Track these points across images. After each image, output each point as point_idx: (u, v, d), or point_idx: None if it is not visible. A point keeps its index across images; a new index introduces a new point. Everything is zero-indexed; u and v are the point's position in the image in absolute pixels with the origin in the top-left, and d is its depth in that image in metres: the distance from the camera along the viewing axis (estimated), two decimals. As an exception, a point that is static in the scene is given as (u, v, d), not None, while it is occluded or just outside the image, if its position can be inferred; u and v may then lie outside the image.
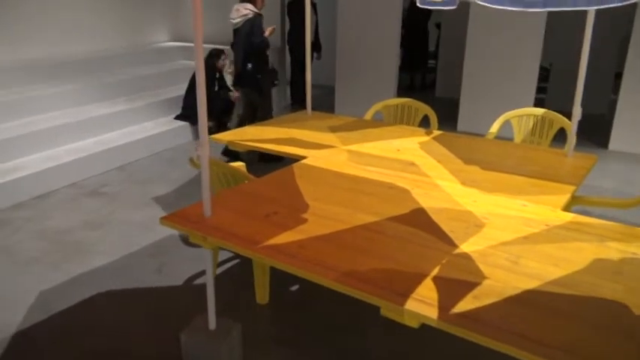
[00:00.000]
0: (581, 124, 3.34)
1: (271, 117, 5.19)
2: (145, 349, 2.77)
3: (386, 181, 2.89)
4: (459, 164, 3.20)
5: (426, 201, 2.62)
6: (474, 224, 2.37)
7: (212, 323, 2.54)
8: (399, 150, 3.45)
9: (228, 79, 6.34)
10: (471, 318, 1.69)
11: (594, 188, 3.60)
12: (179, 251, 3.73)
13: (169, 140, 6.08)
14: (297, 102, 7.63)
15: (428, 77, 9.52)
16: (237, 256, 3.56)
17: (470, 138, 3.90)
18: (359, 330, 2.89)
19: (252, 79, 5.31)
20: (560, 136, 3.85)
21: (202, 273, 3.41)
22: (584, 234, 2.29)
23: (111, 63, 7.02)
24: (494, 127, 4.01)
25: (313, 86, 4.44)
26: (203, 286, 2.63)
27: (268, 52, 5.50)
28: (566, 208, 2.66)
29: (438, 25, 9.11)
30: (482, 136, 4.08)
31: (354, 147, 3.49)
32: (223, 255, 3.54)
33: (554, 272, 1.97)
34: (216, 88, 6.16)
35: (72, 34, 6.83)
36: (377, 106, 4.56)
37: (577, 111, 3.29)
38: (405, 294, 1.82)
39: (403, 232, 2.31)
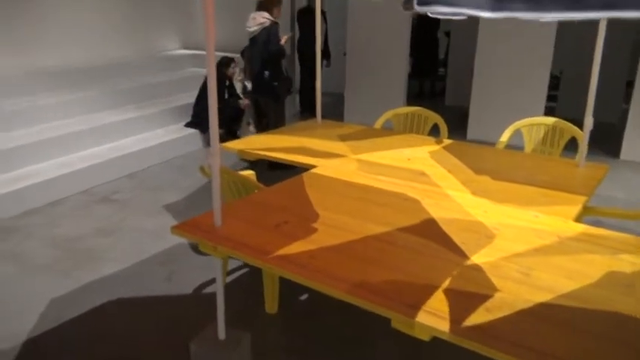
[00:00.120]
0: (592, 133, 3.32)
1: (284, 124, 5.23)
2: (155, 357, 2.78)
3: (396, 191, 2.88)
4: (470, 174, 3.19)
5: (436, 211, 2.61)
6: (485, 235, 2.36)
7: (222, 333, 2.55)
8: (409, 159, 3.44)
9: (238, 87, 6.37)
10: (483, 331, 1.68)
11: (605, 198, 3.58)
12: (189, 259, 3.74)
13: (180, 147, 6.11)
14: (307, 109, 7.65)
15: (437, 85, 9.52)
16: (246, 264, 3.56)
17: (480, 147, 3.89)
18: (369, 341, 2.88)
19: (268, 86, 5.39)
20: (571, 145, 3.83)
21: (211, 281, 3.42)
22: (597, 246, 2.27)
23: (123, 70, 7.08)
24: (505, 137, 4.00)
25: (322, 94, 4.46)
26: (212, 295, 2.63)
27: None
28: (578, 218, 2.64)
29: (448, 34, 9.11)
30: (492, 144, 4.06)
31: (364, 156, 3.49)
32: (233, 263, 3.55)
33: (566, 285, 1.95)
34: (226, 96, 6.19)
35: (85, 43, 6.89)
36: (387, 115, 4.56)
37: (589, 121, 3.27)
38: (416, 306, 1.81)
39: (414, 242, 2.30)
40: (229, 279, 3.48)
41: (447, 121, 4.30)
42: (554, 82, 7.54)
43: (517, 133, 4.05)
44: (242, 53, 6.66)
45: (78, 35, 6.82)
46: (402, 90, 7.17)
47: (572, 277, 2.01)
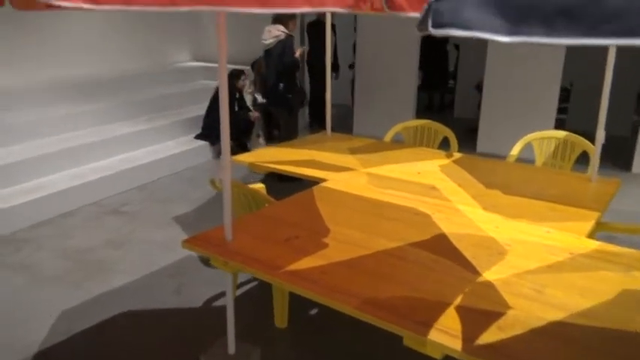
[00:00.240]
0: (603, 146, 3.30)
1: (297, 136, 5.28)
2: (164, 371, 2.78)
3: (407, 206, 2.88)
4: (481, 188, 3.18)
5: (447, 226, 2.60)
6: (497, 251, 2.34)
7: (231, 347, 2.54)
8: (419, 173, 3.44)
9: (248, 100, 6.41)
10: (495, 350, 1.67)
11: (617, 212, 3.55)
12: (198, 272, 3.75)
13: (190, 159, 6.14)
14: (316, 121, 7.68)
15: (446, 97, 9.52)
16: (255, 277, 3.56)
17: (491, 161, 3.88)
18: (380, 358, 2.86)
19: (283, 98, 5.45)
20: (582, 157, 3.81)
21: (220, 295, 3.42)
22: (610, 263, 2.25)
23: (134, 82, 7.15)
24: (515, 150, 3.98)
25: (331, 105, 4.47)
26: (221, 308, 2.63)
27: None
28: (591, 234, 2.62)
29: (457, 46, 9.12)
30: (501, 157, 4.05)
31: (374, 170, 3.49)
32: (242, 276, 3.55)
33: (580, 303, 1.93)
34: (236, 109, 6.22)
35: (97, 55, 6.97)
36: (396, 128, 4.56)
37: (600, 135, 3.26)
38: (428, 323, 1.80)
39: (425, 258, 2.29)
40: (239, 292, 3.48)
41: (456, 134, 4.29)
42: (565, 95, 7.51)
43: (527, 146, 4.04)
44: (252, 65, 6.70)
45: (90, 48, 6.90)
46: (412, 103, 7.18)
47: (586, 295, 1.99)
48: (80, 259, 3.96)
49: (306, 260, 2.24)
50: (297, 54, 5.49)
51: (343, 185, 3.18)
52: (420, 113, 7.33)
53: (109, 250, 4.09)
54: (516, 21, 1.03)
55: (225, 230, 2.41)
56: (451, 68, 9.66)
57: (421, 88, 7.87)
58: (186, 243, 2.43)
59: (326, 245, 2.38)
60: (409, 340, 1.79)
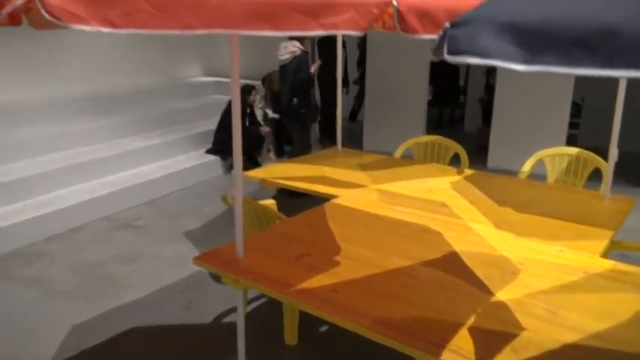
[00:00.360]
0: (615, 163, 3.28)
1: (310, 151, 5.30)
2: (174, 388, 2.77)
3: (418, 223, 2.86)
4: (492, 205, 3.16)
5: (459, 245, 2.59)
6: (510, 270, 2.32)
7: (242, 365, 2.53)
8: (430, 190, 3.42)
9: (259, 115, 6.44)
10: (509, 373, 1.65)
11: (631, 230, 3.51)
12: (208, 288, 3.74)
13: (201, 174, 6.17)
14: (326, 136, 7.70)
15: (456, 112, 9.51)
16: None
17: (502, 178, 3.86)
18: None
19: (297, 113, 5.50)
20: (595, 174, 3.78)
21: (230, 310, 3.41)
22: (625, 284, 2.22)
23: (146, 97, 7.20)
24: (527, 166, 3.96)
25: (341, 120, 4.48)
26: (231, 324, 2.63)
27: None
28: (604, 253, 2.59)
29: (467, 61, 9.13)
30: (512, 172, 4.03)
31: (384, 186, 3.48)
32: (252, 292, 3.54)
33: (594, 325, 1.91)
34: (247, 124, 6.25)
35: (110, 71, 7.05)
36: (407, 144, 4.55)
37: (613, 152, 3.24)
38: (441, 344, 1.78)
39: (437, 277, 2.28)
40: (248, 308, 3.47)
41: (466, 148, 4.28)
42: (576, 110, 7.48)
43: (539, 162, 4.02)
44: (263, 81, 6.74)
45: (102, 63, 6.97)
46: (422, 118, 7.18)
47: (600, 316, 1.97)
48: (90, 273, 3.97)
49: (318, 278, 2.23)
50: (313, 69, 5.56)
51: (354, 202, 3.18)
52: (430, 129, 7.33)
53: (120, 265, 4.10)
54: (533, 50, 1.02)
55: (237, 247, 2.41)
56: (461, 83, 9.66)
57: (432, 104, 7.88)
58: (198, 260, 2.44)
59: (337, 263, 2.38)
60: (422, 361, 1.78)
